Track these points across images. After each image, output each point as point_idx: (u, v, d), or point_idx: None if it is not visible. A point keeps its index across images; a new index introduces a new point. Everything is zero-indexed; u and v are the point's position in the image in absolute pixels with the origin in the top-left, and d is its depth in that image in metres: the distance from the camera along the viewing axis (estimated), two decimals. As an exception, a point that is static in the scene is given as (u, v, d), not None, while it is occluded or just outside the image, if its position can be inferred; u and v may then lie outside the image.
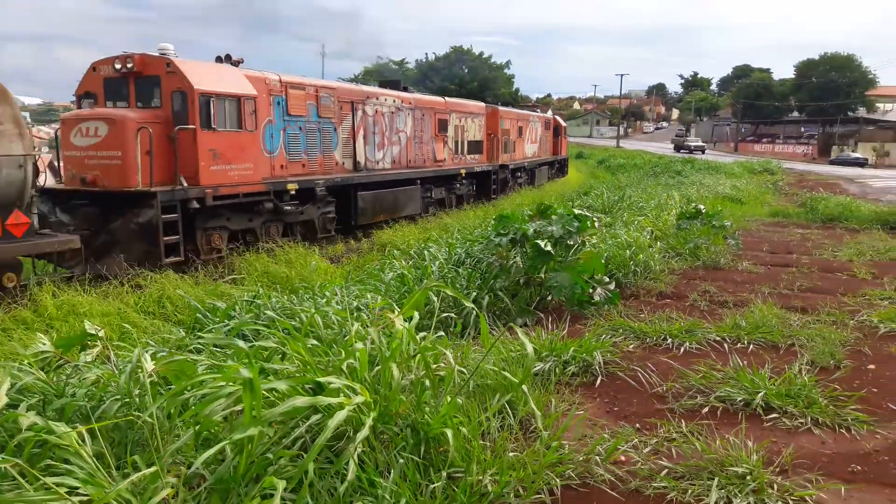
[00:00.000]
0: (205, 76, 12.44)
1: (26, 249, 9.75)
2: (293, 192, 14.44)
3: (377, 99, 17.98)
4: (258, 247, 13.25)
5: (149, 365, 3.19)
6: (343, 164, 16.48)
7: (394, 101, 18.83)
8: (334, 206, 16.09)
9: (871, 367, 5.12)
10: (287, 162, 14.51)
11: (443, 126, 21.60)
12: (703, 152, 67.24)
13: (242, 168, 13.09)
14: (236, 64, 13.10)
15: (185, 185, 11.81)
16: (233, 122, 12.81)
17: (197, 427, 2.81)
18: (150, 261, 11.10)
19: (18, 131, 9.50)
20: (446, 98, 23.76)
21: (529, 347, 3.76)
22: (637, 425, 4.01)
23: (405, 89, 20.76)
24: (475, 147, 24.26)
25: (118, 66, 12.44)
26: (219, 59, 13.69)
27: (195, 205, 12.04)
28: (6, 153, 9.29)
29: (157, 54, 12.46)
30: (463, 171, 22.96)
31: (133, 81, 12.56)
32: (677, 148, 74.62)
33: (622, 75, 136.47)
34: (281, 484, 2.43)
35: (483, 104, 26.37)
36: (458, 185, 22.98)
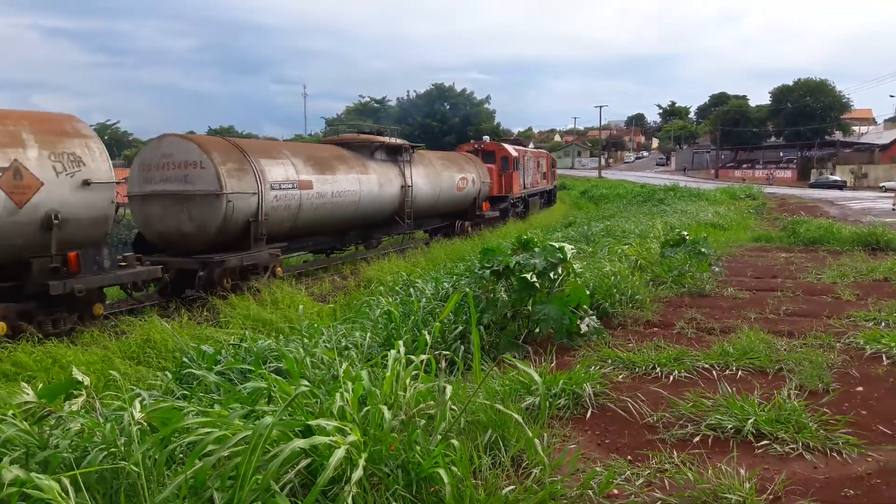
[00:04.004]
0: (511, 149, 31.39)
1: (490, 216, 28.27)
2: (522, 198, 33.22)
3: (526, 153, 35.44)
4: (506, 220, 29.92)
5: (136, 413, 3.14)
6: (522, 186, 33.47)
7: (529, 153, 36.88)
8: (523, 204, 33.88)
9: (859, 389, 5.14)
10: (517, 185, 31.73)
11: (538, 165, 38.94)
12: (842, 188, 58.05)
13: (517, 187, 31.64)
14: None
15: (512, 193, 30.75)
16: (517, 168, 31.55)
17: (189, 478, 2.76)
18: (504, 220, 29.14)
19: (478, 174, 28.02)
20: (539, 149, 50.37)
21: (537, 377, 3.81)
22: (629, 457, 3.98)
23: (525, 146, 43.04)
24: (544, 176, 41.33)
25: (476, 146, 30.93)
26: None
27: (511, 201, 30.83)
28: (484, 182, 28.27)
29: (490, 141, 34.42)
30: (547, 190, 42.06)
31: (482, 153, 29.69)
32: (813, 186, 61.66)
33: (601, 107, 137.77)
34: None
35: (545, 151, 49.54)
36: (544, 197, 40.86)
